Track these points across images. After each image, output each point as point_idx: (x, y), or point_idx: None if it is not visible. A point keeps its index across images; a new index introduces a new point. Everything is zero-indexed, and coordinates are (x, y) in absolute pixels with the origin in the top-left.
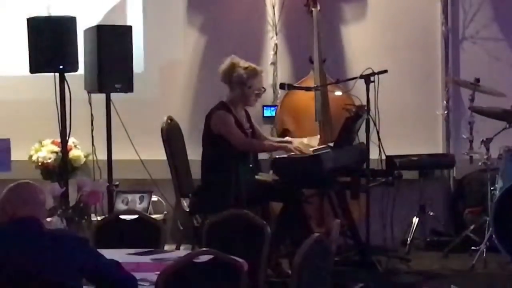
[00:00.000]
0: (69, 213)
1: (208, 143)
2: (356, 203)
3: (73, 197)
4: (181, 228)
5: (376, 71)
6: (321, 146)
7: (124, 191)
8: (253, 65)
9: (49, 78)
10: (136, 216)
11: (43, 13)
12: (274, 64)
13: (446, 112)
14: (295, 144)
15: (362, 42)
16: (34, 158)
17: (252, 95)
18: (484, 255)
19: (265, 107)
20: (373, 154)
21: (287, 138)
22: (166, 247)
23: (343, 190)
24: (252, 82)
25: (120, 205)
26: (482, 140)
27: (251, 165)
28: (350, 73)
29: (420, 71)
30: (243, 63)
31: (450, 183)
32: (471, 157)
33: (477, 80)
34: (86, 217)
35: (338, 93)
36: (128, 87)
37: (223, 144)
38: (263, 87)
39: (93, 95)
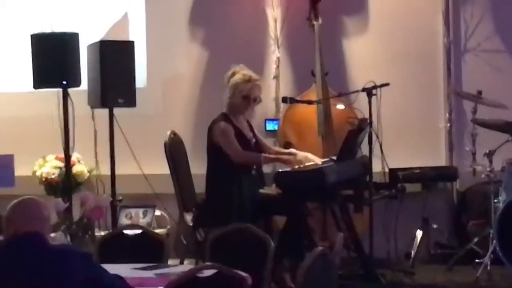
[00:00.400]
0: (72, 229)
1: (211, 155)
2: (359, 216)
3: (76, 213)
4: (185, 242)
5: (378, 84)
6: (324, 160)
7: (127, 206)
8: (251, 74)
9: (52, 94)
10: (139, 231)
11: (46, 29)
12: (276, 77)
13: (448, 124)
14: (299, 157)
15: (364, 55)
16: (37, 173)
17: (241, 102)
18: (488, 267)
19: (267, 121)
20: (376, 167)
21: (291, 150)
22: (170, 262)
23: (346, 203)
24: (243, 87)
25: (123, 220)
26: (485, 152)
27: (254, 178)
28: (352, 86)
29: (422, 84)
30: (243, 71)
31: (453, 195)
32: (474, 169)
33: (480, 92)
34: (89, 232)
35: (341, 106)
36: (131, 102)
37: (225, 154)
38: (258, 97)
39: (96, 110)
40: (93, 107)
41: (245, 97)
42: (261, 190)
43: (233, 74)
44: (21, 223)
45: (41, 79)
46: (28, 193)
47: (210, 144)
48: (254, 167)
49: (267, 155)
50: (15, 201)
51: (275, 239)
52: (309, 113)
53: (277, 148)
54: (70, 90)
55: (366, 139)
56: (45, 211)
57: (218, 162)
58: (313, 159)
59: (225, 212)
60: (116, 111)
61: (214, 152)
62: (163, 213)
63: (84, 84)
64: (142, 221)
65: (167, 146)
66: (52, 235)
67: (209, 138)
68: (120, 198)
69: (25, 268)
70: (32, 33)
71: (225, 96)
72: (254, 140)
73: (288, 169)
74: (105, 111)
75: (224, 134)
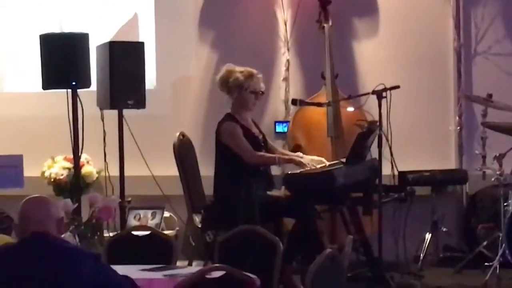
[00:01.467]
0: (81, 229)
1: (220, 156)
2: (368, 219)
3: (85, 214)
4: (193, 244)
5: (388, 86)
6: (333, 162)
7: (136, 207)
8: (248, 68)
9: (61, 95)
10: (148, 232)
11: (56, 29)
12: (286, 80)
13: (458, 127)
14: (306, 160)
15: (374, 58)
16: (46, 174)
17: (250, 98)
18: (498, 271)
19: (277, 123)
20: (386, 170)
21: (298, 154)
22: (178, 263)
23: (356, 206)
24: (249, 83)
25: (132, 221)
26: (495, 155)
27: (263, 180)
28: (362, 88)
29: (432, 87)
30: (238, 68)
31: (463, 198)
32: (484, 172)
33: (490, 95)
34: (98, 233)
35: (350, 108)
36: (140, 103)
37: (234, 156)
38: (261, 90)
39: (106, 112)
40: (102, 108)
41: (253, 92)
42: (269, 192)
43: (229, 72)
44: (31, 223)
45: (50, 79)
46: (37, 193)
47: (218, 145)
48: (261, 168)
49: (281, 156)
50: (26, 199)
51: (284, 241)
52: (318, 115)
53: (283, 150)
54: (79, 91)
55: (375, 142)
56: (56, 210)
57: (227, 163)
58: (321, 161)
59: (234, 213)
60: (126, 112)
61: (223, 153)
62: (171, 214)
63: (94, 85)
64: (151, 222)
65: (176, 147)
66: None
67: (217, 139)
68: (129, 199)
69: (34, 268)
70: (41, 34)
71: (233, 95)
72: (261, 136)
73: (298, 171)
74: (114, 112)
75: (234, 136)
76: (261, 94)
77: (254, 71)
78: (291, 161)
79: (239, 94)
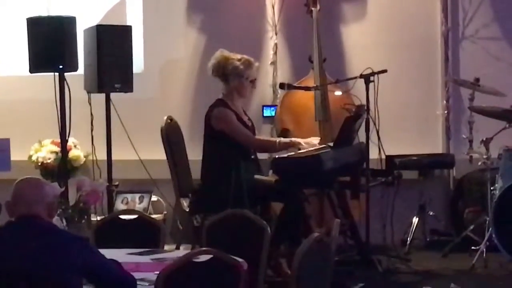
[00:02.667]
0: (68, 213)
1: (209, 140)
2: (356, 203)
3: (72, 198)
4: (181, 228)
5: (375, 70)
6: (321, 146)
7: (124, 191)
8: (246, 56)
9: (48, 78)
10: (136, 216)
11: (43, 13)
12: (273, 63)
13: (446, 111)
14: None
15: (361, 42)
16: (33, 158)
17: (248, 86)
18: (484, 254)
19: (264, 107)
20: (373, 154)
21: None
22: (166, 247)
23: (343, 189)
24: (248, 72)
25: (120, 205)
26: (482, 139)
27: (252, 165)
28: (349, 72)
29: (419, 71)
30: (234, 55)
31: (450, 182)
32: (471, 156)
33: (477, 79)
34: (86, 217)
35: (338, 92)
36: (127, 87)
37: (224, 140)
38: (255, 78)
39: (93, 95)
40: (89, 91)
41: (252, 81)
42: (257, 176)
43: (226, 59)
44: (21, 204)
45: (37, 63)
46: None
47: (208, 129)
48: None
49: (282, 139)
50: (21, 179)
51: (272, 225)
52: (306, 99)
53: (263, 137)
54: (66, 74)
55: (363, 126)
56: (48, 193)
57: (217, 148)
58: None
59: (223, 197)
60: (113, 96)
61: (213, 138)
62: (159, 198)
63: (81, 69)
64: (139, 206)
65: (164, 131)
66: None
67: (206, 123)
68: (117, 183)
69: (20, 252)
70: (28, 17)
71: (231, 83)
72: (251, 124)
73: (285, 155)
74: (102, 96)
75: (228, 122)
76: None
77: (251, 59)
78: (290, 144)
79: (238, 82)
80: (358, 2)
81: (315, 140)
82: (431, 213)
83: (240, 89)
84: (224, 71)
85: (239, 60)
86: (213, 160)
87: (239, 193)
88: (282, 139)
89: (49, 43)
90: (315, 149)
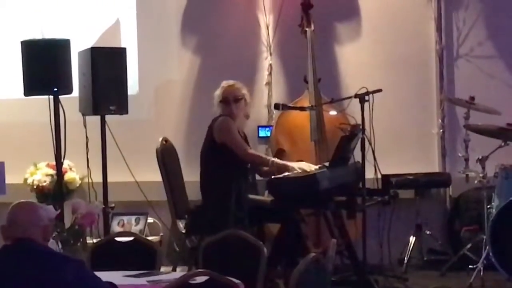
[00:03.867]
0: (64, 236)
1: (209, 155)
2: (352, 223)
3: (68, 220)
4: (177, 249)
5: (370, 90)
6: (317, 166)
7: (119, 213)
8: (225, 82)
9: (43, 101)
10: (132, 238)
11: (37, 35)
12: (268, 84)
13: (441, 130)
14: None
15: (356, 61)
16: (29, 181)
17: (224, 106)
18: (482, 273)
19: (260, 127)
20: (369, 173)
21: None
22: (162, 269)
23: (339, 209)
24: (217, 96)
25: (115, 227)
26: (478, 158)
27: (250, 185)
28: (344, 92)
29: (414, 90)
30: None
31: (446, 201)
32: (467, 175)
33: (472, 98)
34: (81, 239)
35: (333, 112)
36: (122, 109)
37: (225, 155)
38: (237, 96)
39: (88, 118)
40: (84, 114)
41: (222, 101)
42: (252, 196)
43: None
44: (15, 228)
45: (32, 86)
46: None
47: (210, 143)
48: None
49: (276, 160)
50: (15, 203)
51: (267, 246)
52: (301, 119)
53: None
54: (61, 97)
55: (358, 145)
56: (43, 216)
57: (218, 161)
58: (309, 166)
59: (221, 218)
60: (108, 118)
61: (214, 151)
62: (155, 220)
63: (76, 91)
64: (135, 228)
65: (159, 152)
66: None
67: (209, 135)
68: (112, 205)
69: (17, 276)
70: (22, 40)
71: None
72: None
73: (281, 175)
74: (97, 118)
75: (230, 130)
76: (236, 101)
77: (226, 83)
78: (283, 166)
79: (217, 109)
80: (352, 21)
81: (310, 166)
82: (428, 232)
83: (229, 113)
84: (214, 102)
85: (220, 88)
86: (214, 175)
87: (240, 212)
88: (278, 160)
89: (43, 66)
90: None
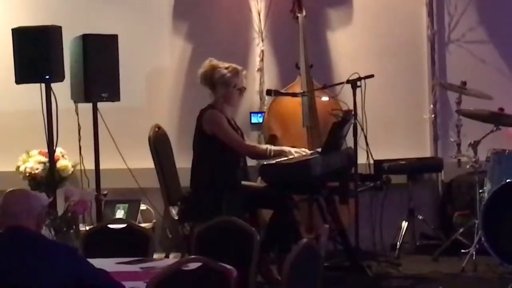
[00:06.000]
0: (56, 223)
1: (201, 145)
2: (345, 208)
3: (61, 207)
4: (170, 236)
5: (362, 75)
6: (310, 152)
7: (112, 200)
8: (233, 65)
9: (35, 89)
10: (124, 225)
11: (28, 23)
12: (260, 70)
13: (433, 115)
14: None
15: (348, 47)
16: (21, 169)
17: (235, 94)
18: (474, 257)
19: (252, 114)
20: (361, 159)
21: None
22: (155, 256)
23: (332, 195)
24: (236, 80)
25: (108, 215)
26: (470, 143)
27: (241, 171)
28: (336, 78)
29: (406, 75)
30: (222, 64)
31: (438, 186)
32: (459, 160)
33: (464, 83)
34: (74, 226)
35: (325, 98)
36: (114, 96)
37: (217, 145)
38: (244, 86)
39: (80, 105)
40: (76, 101)
41: (240, 90)
42: (244, 183)
43: (214, 67)
44: (8, 216)
45: (24, 74)
46: (12, 189)
47: (200, 134)
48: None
49: (273, 147)
50: (8, 191)
51: (260, 232)
52: (293, 105)
53: (254, 143)
54: (53, 84)
55: (351, 131)
56: (36, 204)
57: (209, 152)
58: (305, 151)
59: (214, 204)
60: (100, 105)
61: (205, 142)
62: (148, 207)
63: (67, 79)
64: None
65: (151, 139)
66: None
67: (198, 127)
68: (105, 192)
69: (10, 263)
70: (13, 27)
71: (218, 91)
72: (240, 131)
73: (273, 161)
74: (89, 105)
75: (220, 124)
76: (244, 90)
77: (239, 67)
78: (280, 152)
79: (225, 90)
80: (343, 7)
81: (306, 151)
82: (420, 217)
83: (228, 98)
84: (211, 80)
85: (227, 68)
86: (205, 165)
87: (233, 199)
88: (273, 147)
89: (35, 53)
90: (303, 156)
